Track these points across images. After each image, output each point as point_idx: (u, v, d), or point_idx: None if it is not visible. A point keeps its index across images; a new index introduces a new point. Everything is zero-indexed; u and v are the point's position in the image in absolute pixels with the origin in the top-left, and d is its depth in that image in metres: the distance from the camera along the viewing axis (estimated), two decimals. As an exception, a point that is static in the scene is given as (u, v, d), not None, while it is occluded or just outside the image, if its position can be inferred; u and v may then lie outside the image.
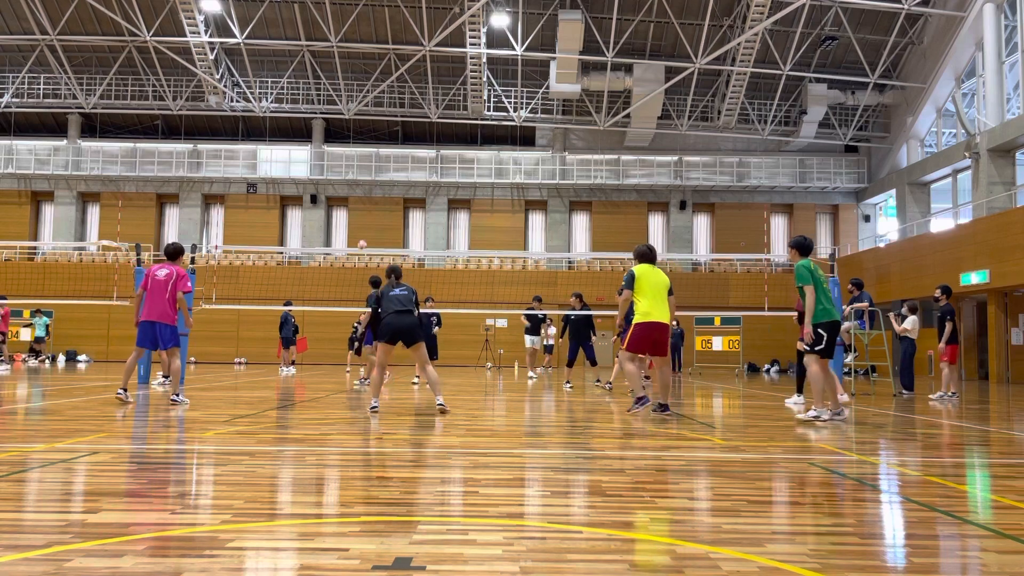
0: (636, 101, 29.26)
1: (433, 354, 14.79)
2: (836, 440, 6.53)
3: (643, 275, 8.31)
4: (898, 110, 30.19)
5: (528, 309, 17.96)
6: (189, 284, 9.31)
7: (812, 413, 7.79)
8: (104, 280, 27.01)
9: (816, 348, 7.88)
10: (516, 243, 32.45)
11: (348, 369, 18.03)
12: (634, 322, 8.26)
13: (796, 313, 10.24)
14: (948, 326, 12.77)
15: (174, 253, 9.40)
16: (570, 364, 14.54)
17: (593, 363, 14.51)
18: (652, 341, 8.18)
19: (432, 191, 32.85)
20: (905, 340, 14.12)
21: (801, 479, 4.56)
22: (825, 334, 7.89)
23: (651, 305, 8.19)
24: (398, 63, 29.89)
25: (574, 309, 14.35)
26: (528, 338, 18.32)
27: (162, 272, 8.98)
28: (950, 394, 12.28)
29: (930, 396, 12.47)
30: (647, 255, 8.55)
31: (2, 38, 29.93)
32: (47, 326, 25.25)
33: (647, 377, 12.90)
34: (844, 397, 9.87)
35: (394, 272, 8.64)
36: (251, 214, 32.82)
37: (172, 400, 8.78)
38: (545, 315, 18.48)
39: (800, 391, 10.79)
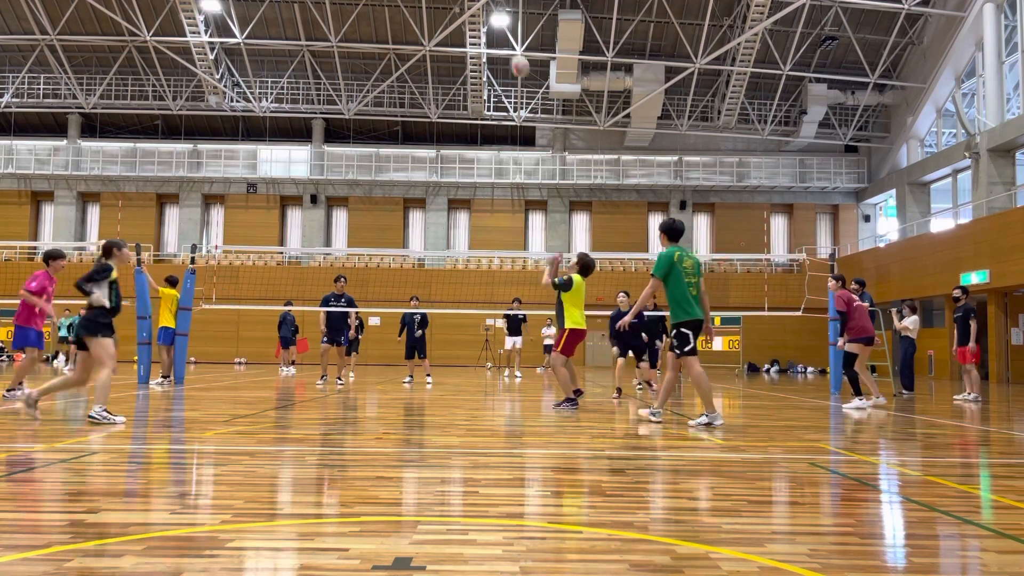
0: (636, 101, 29.26)
1: (421, 353, 14.95)
2: (835, 440, 6.53)
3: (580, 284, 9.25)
4: (898, 110, 30.19)
5: (508, 310, 18.38)
6: (32, 284, 9.10)
7: (647, 412, 7.76)
8: (104, 280, 26.95)
9: (686, 349, 7.39)
10: (516, 243, 32.45)
11: (347, 369, 18.04)
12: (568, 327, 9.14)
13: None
14: (973, 325, 12.53)
15: (46, 257, 9.38)
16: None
17: (652, 364, 13.57)
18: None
19: (432, 191, 32.86)
20: (905, 340, 14.13)
21: (801, 479, 4.55)
22: (690, 332, 7.38)
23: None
24: (398, 63, 29.89)
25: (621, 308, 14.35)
26: (508, 339, 18.67)
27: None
28: (972, 396, 12.13)
29: (954, 397, 12.28)
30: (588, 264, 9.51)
31: (2, 38, 29.93)
32: (70, 326, 25.24)
33: (648, 383, 12.88)
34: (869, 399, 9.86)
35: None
36: (251, 214, 32.82)
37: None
38: (525, 315, 18.74)
39: (858, 393, 10.48)
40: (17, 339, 9.52)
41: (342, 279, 14.24)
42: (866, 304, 12.62)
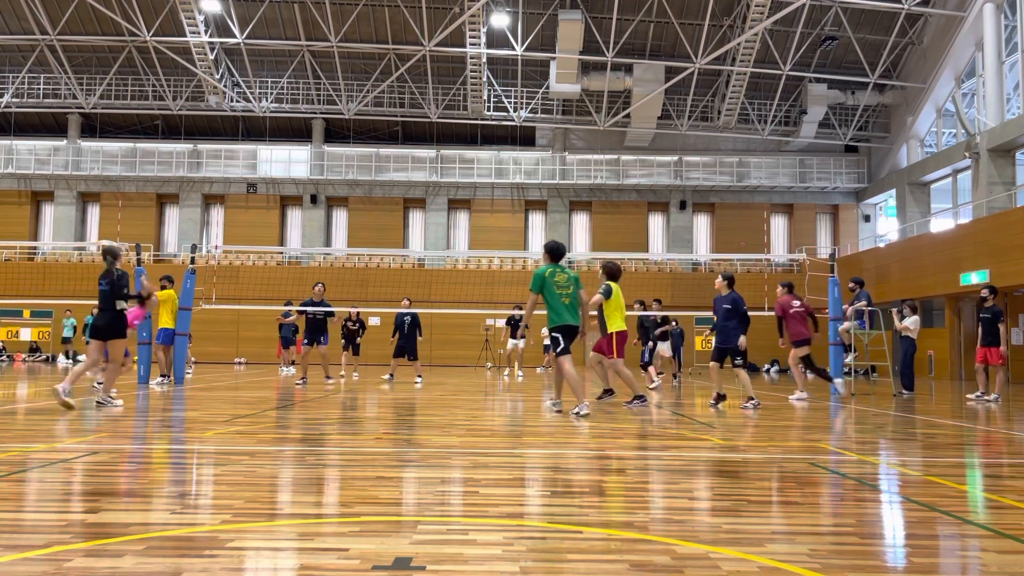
0: (636, 101, 29.25)
1: (412, 355, 15.09)
2: (835, 440, 6.53)
3: (616, 291, 9.86)
4: (898, 110, 30.19)
5: (513, 311, 18.96)
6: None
7: (549, 404, 9.02)
8: (104, 280, 26.96)
9: (558, 350, 8.61)
10: (516, 243, 32.45)
11: (348, 369, 18.05)
12: (614, 331, 9.75)
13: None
14: (1002, 327, 12.48)
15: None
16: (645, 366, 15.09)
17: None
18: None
19: (432, 191, 32.85)
20: (905, 340, 14.11)
21: (801, 479, 4.55)
22: (559, 335, 8.61)
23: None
24: (398, 63, 29.88)
25: (649, 310, 15.14)
26: (511, 340, 19.33)
27: None
28: (994, 396, 12.10)
29: (986, 398, 12.24)
30: (615, 272, 10.02)
31: (2, 38, 29.92)
32: (75, 327, 25.31)
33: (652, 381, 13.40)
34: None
35: None
36: (251, 214, 32.81)
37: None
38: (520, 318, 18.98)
39: (829, 380, 12.29)
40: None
41: (320, 285, 14.30)
42: (863, 303, 12.84)
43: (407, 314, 15.17)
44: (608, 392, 10.33)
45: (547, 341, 22.22)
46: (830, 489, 4.30)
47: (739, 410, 9.46)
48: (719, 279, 10.49)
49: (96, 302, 8.70)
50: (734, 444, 6.06)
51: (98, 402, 8.19)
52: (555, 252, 8.88)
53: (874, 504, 3.88)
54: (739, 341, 10.04)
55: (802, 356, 11.73)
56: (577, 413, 8.14)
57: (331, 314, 14.15)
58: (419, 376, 15.44)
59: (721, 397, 10.08)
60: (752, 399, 9.97)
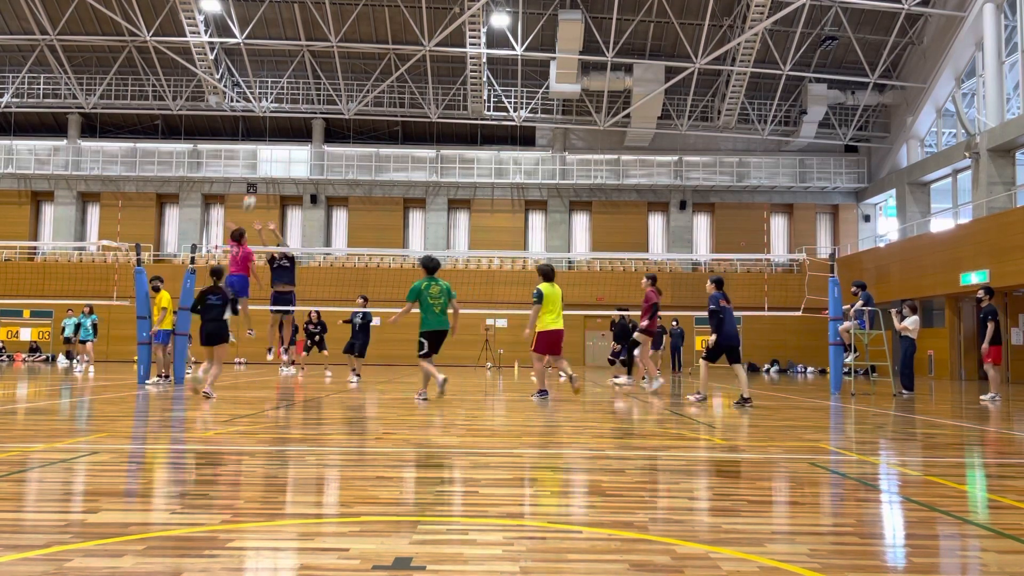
0: (636, 101, 29.26)
1: (361, 352, 15.50)
2: (835, 440, 6.53)
3: (548, 292, 10.71)
4: (898, 110, 30.19)
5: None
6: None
7: (419, 396, 10.21)
8: (104, 280, 27.00)
9: (421, 353, 10.07)
10: (516, 243, 32.45)
11: (354, 369, 18.02)
12: (539, 330, 10.69)
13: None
14: (991, 326, 12.42)
15: (235, 235, 11.93)
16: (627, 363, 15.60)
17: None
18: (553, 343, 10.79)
19: (432, 191, 32.86)
20: (905, 340, 14.11)
21: (801, 479, 4.55)
22: (425, 341, 10.00)
23: (554, 317, 10.73)
24: (398, 63, 29.88)
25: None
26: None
27: None
28: (996, 396, 12.07)
29: (981, 397, 12.28)
30: (550, 274, 10.88)
31: (2, 38, 29.93)
32: (76, 326, 25.24)
33: (644, 377, 13.57)
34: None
35: (215, 274, 10.12)
36: (251, 214, 32.75)
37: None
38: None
39: (629, 373, 13.51)
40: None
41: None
42: (860, 302, 13.02)
43: (360, 313, 15.36)
44: (543, 392, 10.94)
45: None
46: (830, 489, 4.30)
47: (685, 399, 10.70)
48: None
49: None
50: (734, 444, 6.06)
51: (205, 393, 9.69)
52: (429, 267, 10.13)
53: (874, 504, 3.88)
54: (710, 339, 10.54)
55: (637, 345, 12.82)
56: (424, 399, 10.02)
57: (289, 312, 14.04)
58: (357, 375, 15.24)
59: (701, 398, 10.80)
60: (699, 393, 10.76)
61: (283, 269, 13.63)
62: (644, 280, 13.27)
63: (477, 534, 3.08)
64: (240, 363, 28.12)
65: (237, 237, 12.32)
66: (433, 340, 10.05)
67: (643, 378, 15.21)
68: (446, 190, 32.89)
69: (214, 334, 9.90)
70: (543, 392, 10.75)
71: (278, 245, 14.44)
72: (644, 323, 12.91)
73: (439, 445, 5.78)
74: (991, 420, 8.90)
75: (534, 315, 10.69)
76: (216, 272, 10.14)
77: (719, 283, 10.66)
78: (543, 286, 10.74)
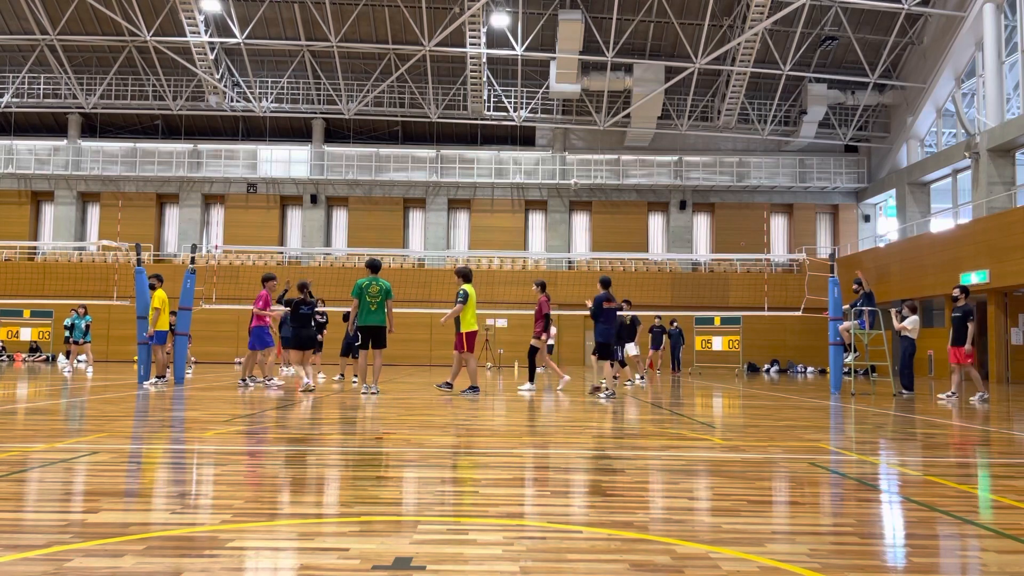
0: (636, 101, 29.25)
1: (318, 348, 15.86)
2: (835, 440, 6.53)
3: (472, 293, 11.49)
4: (898, 110, 30.19)
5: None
6: (259, 303, 12.52)
7: (363, 389, 11.01)
8: (104, 280, 27.02)
9: (357, 344, 11.28)
10: (516, 243, 32.44)
11: (346, 372, 18.03)
12: (466, 331, 11.40)
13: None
14: (971, 327, 12.43)
15: (264, 279, 12.72)
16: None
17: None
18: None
19: (432, 191, 32.85)
20: (905, 340, 14.11)
21: (801, 479, 4.56)
22: (360, 334, 11.17)
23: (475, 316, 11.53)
24: (398, 63, 29.88)
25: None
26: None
27: None
28: (950, 393, 12.19)
29: (971, 398, 12.27)
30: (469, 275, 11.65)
31: (2, 38, 29.92)
32: (71, 326, 25.20)
33: (642, 377, 13.62)
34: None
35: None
36: (251, 214, 32.81)
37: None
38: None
39: (531, 380, 13.16)
40: (256, 341, 12.59)
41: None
42: (858, 299, 13.09)
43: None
44: (473, 389, 11.65)
45: (551, 341, 22.42)
46: (830, 489, 4.30)
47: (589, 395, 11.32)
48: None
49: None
50: (734, 444, 6.06)
51: (303, 389, 11.08)
52: (372, 267, 11.28)
53: (874, 504, 3.88)
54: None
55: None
56: (367, 391, 10.96)
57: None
58: (356, 376, 15.37)
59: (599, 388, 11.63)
60: (599, 387, 11.61)
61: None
62: (535, 287, 13.07)
63: (477, 534, 3.08)
64: (240, 363, 28.09)
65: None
66: (368, 334, 11.15)
67: (640, 375, 15.41)
68: (446, 190, 32.89)
69: (305, 339, 12.20)
70: (475, 388, 11.58)
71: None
72: (538, 330, 12.80)
73: (439, 445, 5.78)
74: (991, 420, 8.90)
75: (457, 312, 11.46)
76: (304, 286, 12.09)
77: (605, 283, 11.54)
78: (468, 287, 11.51)
